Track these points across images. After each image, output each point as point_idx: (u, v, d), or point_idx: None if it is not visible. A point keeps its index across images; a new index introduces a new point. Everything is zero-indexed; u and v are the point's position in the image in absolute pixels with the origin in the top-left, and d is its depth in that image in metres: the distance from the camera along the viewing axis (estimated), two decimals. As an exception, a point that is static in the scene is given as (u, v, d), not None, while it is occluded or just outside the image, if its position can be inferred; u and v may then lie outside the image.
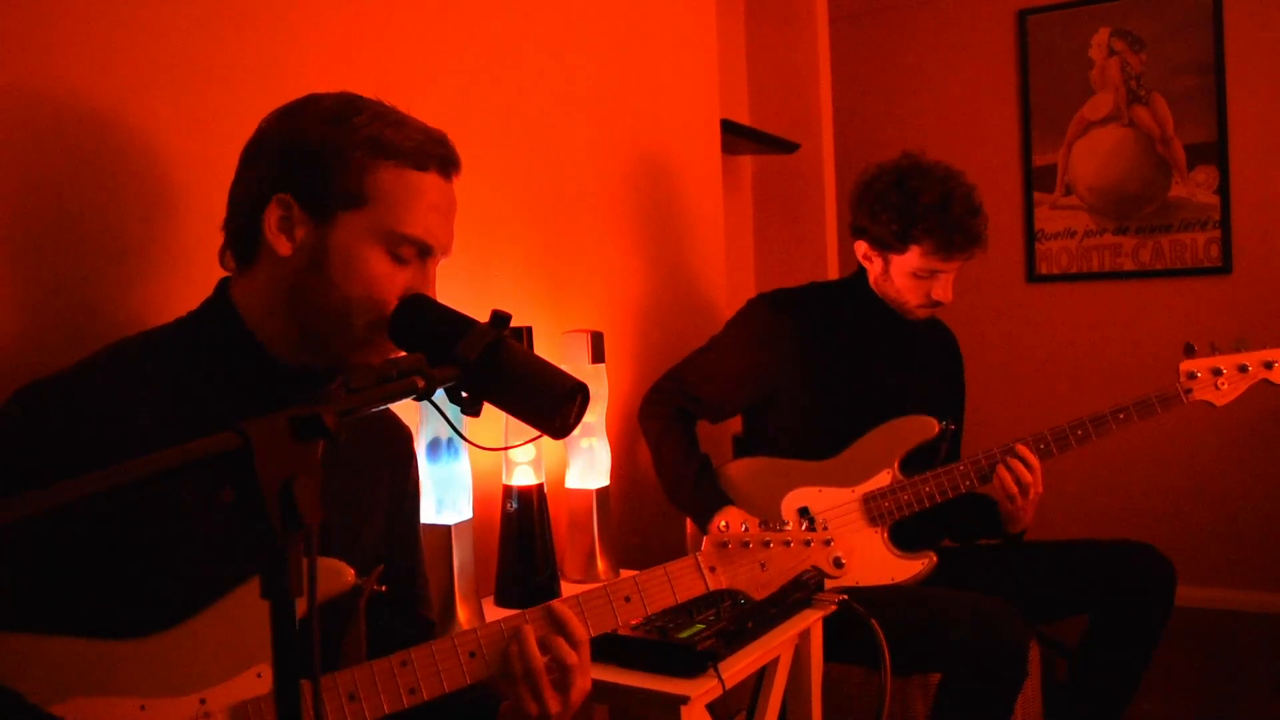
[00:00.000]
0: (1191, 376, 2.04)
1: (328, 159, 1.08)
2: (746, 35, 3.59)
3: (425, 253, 1.12)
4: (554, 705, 1.10)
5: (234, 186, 1.14)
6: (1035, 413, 3.82)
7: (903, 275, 2.12)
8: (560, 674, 1.11)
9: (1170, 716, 2.82)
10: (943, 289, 2.12)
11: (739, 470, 2.13)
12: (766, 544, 1.29)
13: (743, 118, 3.49)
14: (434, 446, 1.60)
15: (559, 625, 1.13)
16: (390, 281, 1.09)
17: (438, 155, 1.13)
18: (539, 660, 1.10)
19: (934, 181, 2.08)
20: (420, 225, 1.10)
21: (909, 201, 2.07)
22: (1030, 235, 3.97)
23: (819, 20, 3.55)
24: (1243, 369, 2.03)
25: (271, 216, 1.08)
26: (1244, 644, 3.40)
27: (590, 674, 1.15)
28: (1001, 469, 2.02)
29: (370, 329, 1.10)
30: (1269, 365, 2.03)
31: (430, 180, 1.12)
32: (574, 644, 1.12)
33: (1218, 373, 2.03)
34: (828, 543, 1.32)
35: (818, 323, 2.18)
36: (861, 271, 2.24)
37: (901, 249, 2.10)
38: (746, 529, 1.29)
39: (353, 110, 1.11)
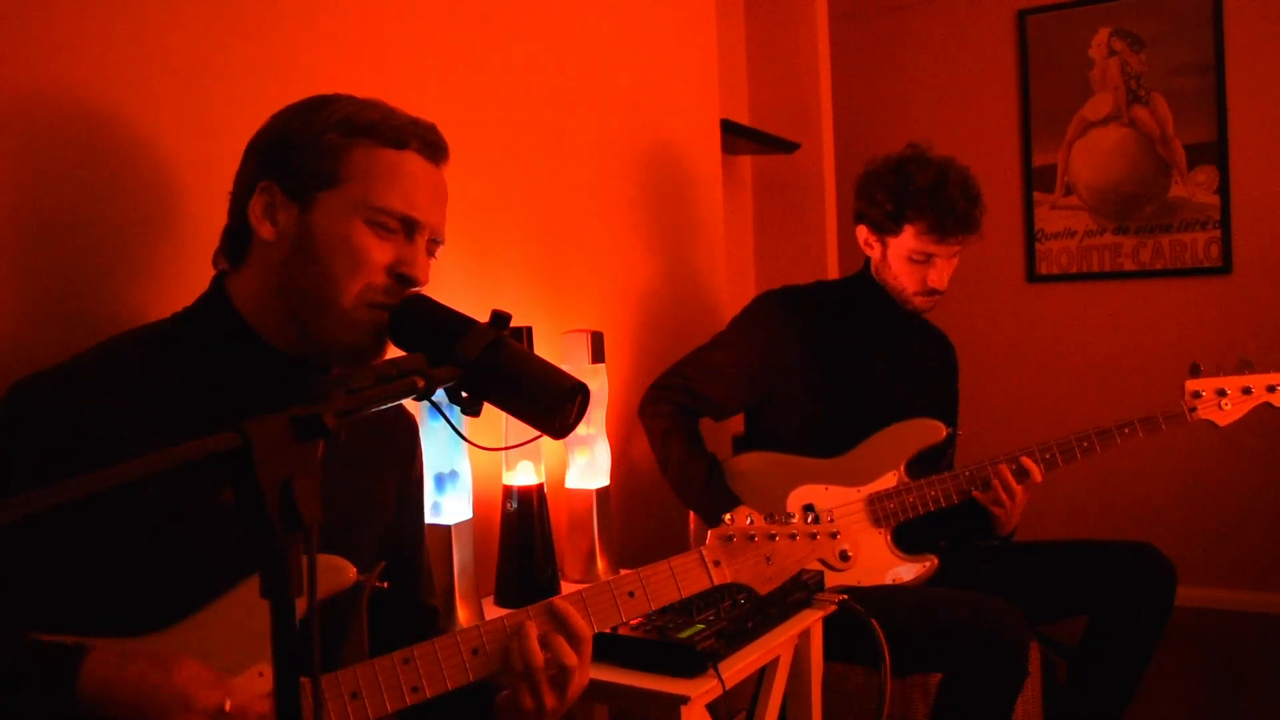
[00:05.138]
0: (1196, 396, 2.06)
1: (303, 142, 1.10)
2: (746, 35, 3.59)
3: (410, 227, 1.12)
4: (550, 701, 1.10)
5: (231, 192, 1.16)
6: (1035, 413, 3.83)
7: (899, 259, 2.15)
8: (559, 672, 1.11)
9: (1170, 716, 2.82)
10: (938, 275, 2.14)
11: (746, 464, 2.13)
12: (772, 537, 1.27)
13: (743, 118, 3.48)
14: (438, 480, 1.62)
15: (560, 622, 1.13)
16: (374, 253, 1.09)
17: (417, 136, 1.13)
18: (539, 658, 1.10)
19: (931, 166, 2.13)
20: (397, 197, 1.10)
21: (903, 183, 2.12)
22: (1030, 235, 3.97)
23: (819, 20, 3.55)
24: (1246, 391, 2.06)
25: (256, 204, 1.11)
26: (1244, 644, 3.40)
27: (589, 671, 1.15)
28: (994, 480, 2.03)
29: (360, 302, 1.09)
30: (1272, 389, 2.05)
31: (409, 158, 1.12)
32: (575, 642, 1.12)
33: (1222, 394, 2.06)
34: (834, 535, 1.30)
35: (824, 320, 2.19)
36: (866, 269, 2.26)
37: (896, 230, 2.13)
38: (752, 521, 1.27)
39: (330, 99, 1.13)
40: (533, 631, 1.10)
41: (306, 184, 1.09)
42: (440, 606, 1.57)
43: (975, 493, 2.05)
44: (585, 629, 1.13)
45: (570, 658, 1.11)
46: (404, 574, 1.29)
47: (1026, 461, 2.02)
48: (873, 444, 2.09)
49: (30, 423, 0.99)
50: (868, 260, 2.26)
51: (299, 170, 1.09)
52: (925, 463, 2.10)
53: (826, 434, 2.11)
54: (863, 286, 2.25)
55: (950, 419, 2.36)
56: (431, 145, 1.15)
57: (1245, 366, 2.07)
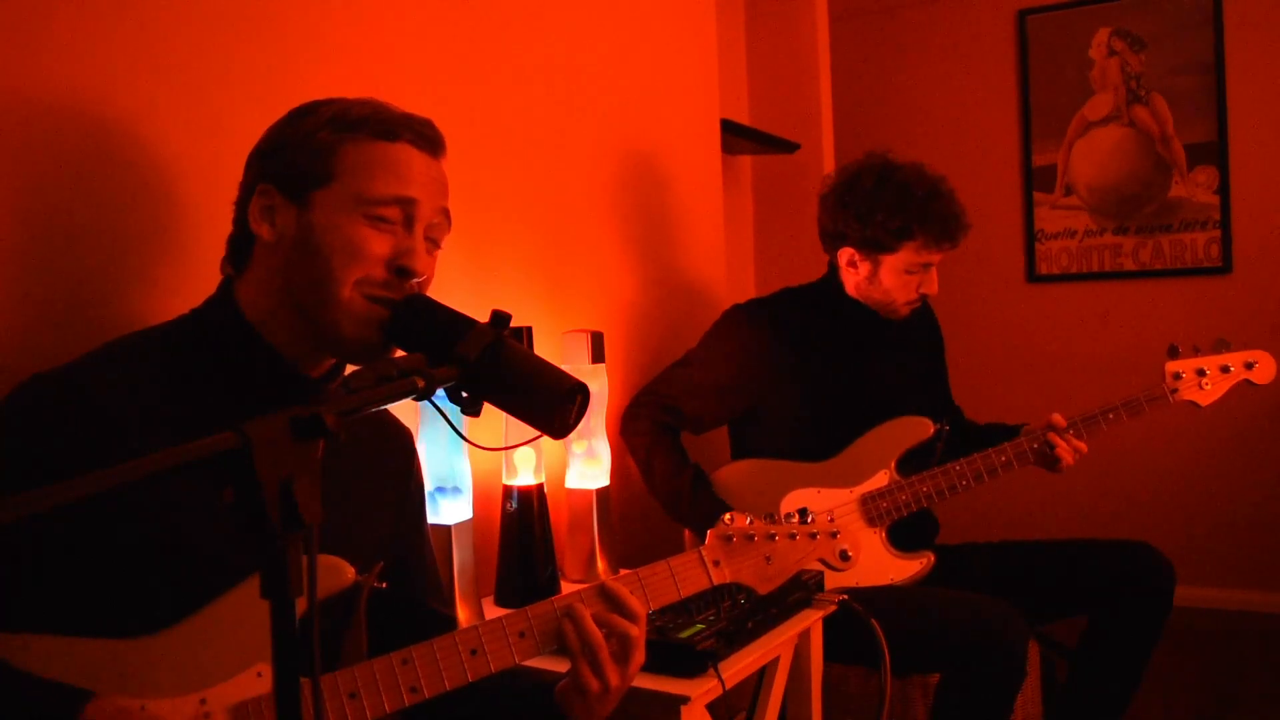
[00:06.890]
0: (1177, 377, 2.07)
1: (297, 142, 1.11)
2: (746, 35, 3.59)
3: (408, 216, 1.12)
4: (614, 678, 1.11)
5: (235, 201, 1.17)
6: (1035, 412, 3.80)
7: (894, 274, 2.12)
8: (620, 646, 1.12)
9: (1170, 716, 2.82)
10: (931, 282, 2.14)
11: (734, 474, 2.12)
12: (772, 537, 1.27)
13: (743, 118, 3.49)
14: (439, 490, 1.63)
15: (614, 602, 1.14)
16: (371, 245, 1.09)
17: (410, 129, 1.13)
18: (598, 634, 1.11)
19: (915, 174, 2.10)
20: (389, 184, 1.10)
21: (902, 196, 2.06)
22: (1030, 235, 3.96)
23: (819, 20, 3.55)
24: (1225, 369, 2.07)
25: (255, 207, 1.12)
26: (1244, 644, 3.40)
27: (644, 649, 1.16)
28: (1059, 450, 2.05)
29: (358, 293, 1.09)
30: (1250, 365, 2.07)
31: (401, 148, 1.12)
32: (632, 618, 1.13)
33: (1202, 373, 2.07)
34: (834, 535, 1.30)
35: (795, 328, 2.17)
36: (832, 273, 2.24)
37: (896, 247, 2.08)
38: (751, 522, 1.27)
39: (322, 102, 1.14)
40: (587, 611, 1.12)
41: (302, 183, 1.10)
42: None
43: (993, 480, 2.06)
44: (640, 606, 1.14)
45: (631, 629, 1.12)
46: (414, 586, 1.29)
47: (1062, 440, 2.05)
48: (862, 445, 2.08)
49: (34, 423, 1.00)
50: (832, 263, 2.25)
51: (294, 170, 1.10)
52: (915, 460, 2.10)
53: (813, 440, 2.10)
54: (831, 290, 2.23)
55: (944, 390, 2.37)
56: (426, 138, 1.15)
57: (1222, 346, 2.08)
